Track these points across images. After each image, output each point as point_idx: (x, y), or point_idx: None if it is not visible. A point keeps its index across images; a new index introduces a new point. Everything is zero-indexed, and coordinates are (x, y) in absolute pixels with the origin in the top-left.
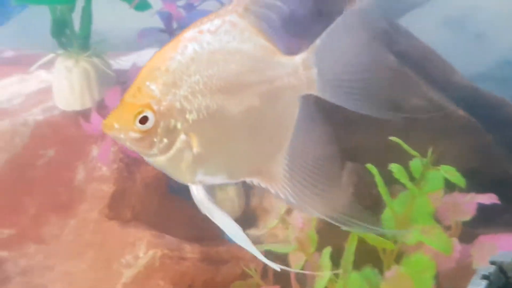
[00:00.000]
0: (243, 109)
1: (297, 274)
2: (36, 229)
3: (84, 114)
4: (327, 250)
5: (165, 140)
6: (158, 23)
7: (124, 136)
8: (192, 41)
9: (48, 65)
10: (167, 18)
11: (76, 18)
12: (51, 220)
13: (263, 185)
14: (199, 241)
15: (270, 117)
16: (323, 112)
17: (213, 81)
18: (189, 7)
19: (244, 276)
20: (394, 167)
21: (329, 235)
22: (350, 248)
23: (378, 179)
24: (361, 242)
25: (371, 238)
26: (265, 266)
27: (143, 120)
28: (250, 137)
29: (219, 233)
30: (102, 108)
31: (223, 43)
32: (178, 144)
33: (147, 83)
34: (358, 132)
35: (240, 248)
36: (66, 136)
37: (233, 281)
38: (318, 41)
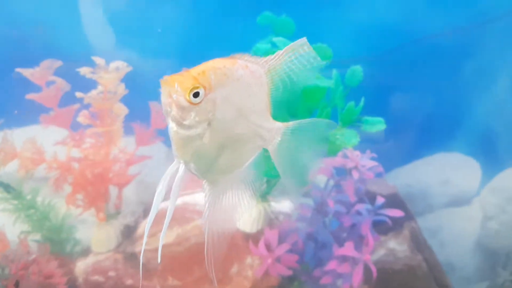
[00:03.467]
0: (240, 132)
1: None
2: None
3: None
4: None
5: (196, 119)
6: None
7: (175, 97)
8: (240, 69)
9: None
10: None
11: None
12: None
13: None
14: None
15: (246, 146)
16: None
17: (242, 100)
18: None
19: None
20: None
21: None
22: None
23: None
24: None
25: None
26: None
27: (195, 95)
28: (232, 153)
29: None
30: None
31: (254, 79)
32: (200, 128)
33: (211, 72)
34: None
35: None
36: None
37: None
38: (292, 124)
